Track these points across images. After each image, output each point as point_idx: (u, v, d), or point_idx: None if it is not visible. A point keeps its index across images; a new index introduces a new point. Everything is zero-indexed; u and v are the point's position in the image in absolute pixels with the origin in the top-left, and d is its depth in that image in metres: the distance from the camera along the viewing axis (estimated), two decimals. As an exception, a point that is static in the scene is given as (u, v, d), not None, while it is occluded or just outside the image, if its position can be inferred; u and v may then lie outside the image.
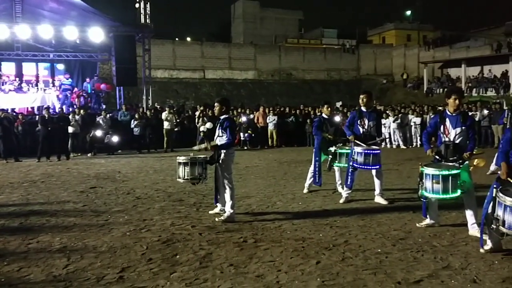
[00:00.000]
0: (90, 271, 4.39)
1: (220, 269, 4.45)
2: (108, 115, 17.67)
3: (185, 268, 4.47)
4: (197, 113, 19.34)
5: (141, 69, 21.99)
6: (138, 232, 5.82)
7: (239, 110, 20.95)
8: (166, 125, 17.79)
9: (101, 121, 16.85)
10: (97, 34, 19.12)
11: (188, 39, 47.97)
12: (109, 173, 11.50)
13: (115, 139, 16.77)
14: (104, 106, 21.13)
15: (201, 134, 17.89)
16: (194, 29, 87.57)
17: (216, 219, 6.33)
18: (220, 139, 6.44)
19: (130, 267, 4.50)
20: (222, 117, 6.56)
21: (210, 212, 6.82)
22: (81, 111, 17.09)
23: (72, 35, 18.90)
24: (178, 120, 19.06)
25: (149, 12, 22.20)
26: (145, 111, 19.65)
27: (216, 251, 5.00)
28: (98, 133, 16.50)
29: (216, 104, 6.66)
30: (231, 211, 6.33)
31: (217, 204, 6.72)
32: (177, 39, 43.60)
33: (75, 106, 19.33)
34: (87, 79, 21.82)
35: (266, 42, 46.68)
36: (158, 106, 22.38)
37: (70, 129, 15.82)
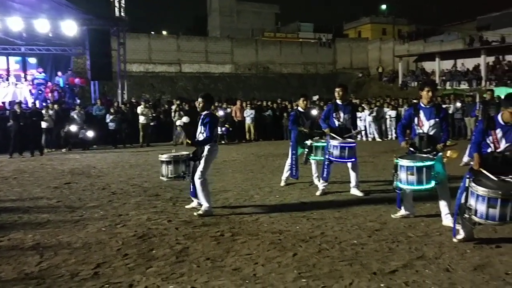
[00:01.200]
0: (64, 267, 4.31)
1: (196, 263, 4.42)
2: (82, 110, 17.36)
3: (161, 262, 4.43)
4: (173, 107, 19.17)
5: (116, 63, 21.67)
6: (114, 227, 5.75)
7: (216, 104, 20.84)
8: (141, 119, 17.59)
9: (75, 116, 16.56)
10: (70, 27, 18.73)
11: (164, 32, 47.44)
12: (84, 169, 11.32)
13: (90, 134, 16.52)
14: (78, 101, 20.72)
15: (178, 128, 17.84)
16: (170, 22, 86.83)
17: (194, 213, 6.29)
18: (202, 135, 6.36)
19: (105, 262, 4.44)
20: (203, 113, 6.46)
21: (186, 206, 6.78)
22: (55, 105, 16.76)
23: (43, 28, 18.46)
24: (154, 115, 18.85)
25: (123, 5, 21.88)
26: (120, 105, 19.39)
27: (193, 245, 4.97)
28: (73, 128, 16.22)
29: (200, 99, 6.54)
30: (207, 205, 6.28)
31: (194, 198, 6.67)
32: (152, 32, 43.07)
33: (48, 101, 18.93)
34: (59, 73, 21.36)
35: (243, 36, 46.49)
36: (134, 101, 22.11)
37: (44, 124, 15.52)
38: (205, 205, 6.29)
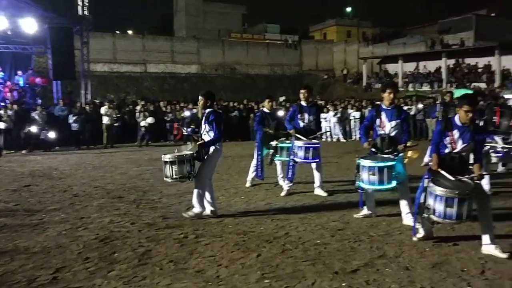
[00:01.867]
0: (20, 273, 4.19)
1: (159, 265, 4.38)
2: (44, 110, 16.89)
3: (123, 266, 4.37)
4: (138, 108, 18.90)
5: (80, 63, 21.21)
6: (75, 230, 5.62)
7: (182, 105, 20.71)
8: (105, 120, 17.24)
9: (36, 117, 16.09)
10: (30, 25, 18.19)
11: (130, 32, 46.78)
12: (45, 171, 11.02)
13: (51, 135, 16.08)
14: (40, 101, 20.15)
15: (142, 129, 17.63)
16: (135, 22, 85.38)
17: (183, 214, 6.16)
18: (208, 134, 6.19)
19: (65, 267, 4.33)
20: (207, 110, 6.26)
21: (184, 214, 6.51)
22: (14, 106, 16.25)
23: (1, 25, 17.86)
24: (118, 115, 18.53)
25: (87, 4, 21.46)
26: (84, 105, 18.98)
27: (156, 247, 4.92)
28: (33, 129, 15.74)
29: (200, 97, 6.30)
30: (200, 209, 6.15)
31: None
32: (117, 32, 42.41)
33: (7, 101, 18.33)
34: (19, 72, 20.72)
35: (209, 36, 46.34)
36: (98, 101, 21.68)
37: (2, 125, 15.00)
38: (209, 208, 6.17)
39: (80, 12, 20.82)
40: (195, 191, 6.15)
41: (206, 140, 6.14)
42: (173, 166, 6.14)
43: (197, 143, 6.15)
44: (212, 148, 6.15)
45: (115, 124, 17.96)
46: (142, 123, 17.55)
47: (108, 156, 14.18)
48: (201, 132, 6.29)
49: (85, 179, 9.66)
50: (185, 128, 18.66)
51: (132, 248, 4.91)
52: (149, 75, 37.10)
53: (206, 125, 6.19)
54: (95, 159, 13.48)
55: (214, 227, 5.70)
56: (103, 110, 17.43)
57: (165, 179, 6.33)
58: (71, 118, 16.94)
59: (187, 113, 19.04)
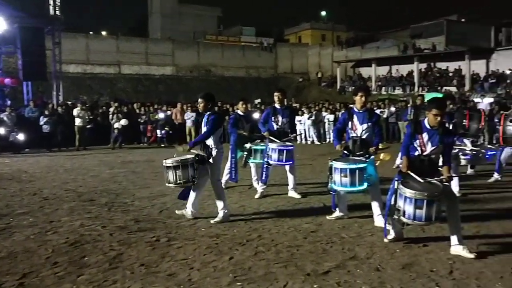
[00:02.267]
0: (-14, 279, 4.08)
1: (130, 269, 4.32)
2: (13, 112, 16.50)
3: (94, 270, 4.30)
4: (111, 110, 18.65)
5: (51, 63, 20.82)
6: (44, 234, 5.50)
7: (155, 107, 20.53)
8: (78, 122, 16.94)
9: (5, 118, 15.72)
10: (-2, 24, 17.82)
11: (103, 33, 46.24)
12: (14, 173, 10.76)
13: (21, 137, 15.72)
14: (9, 102, 19.70)
15: (115, 131, 17.40)
16: (109, 23, 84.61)
17: (212, 221, 6.00)
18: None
19: (33, 272, 4.23)
20: (207, 113, 6.13)
21: (177, 212, 6.43)
22: (-18, 107, 15.86)
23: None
24: (91, 117, 18.25)
25: (59, 4, 21.09)
26: (56, 107, 18.62)
27: (127, 251, 4.85)
28: (2, 130, 15.38)
29: (200, 100, 6.16)
30: (225, 210, 6.10)
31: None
32: (91, 32, 41.88)
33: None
34: (-13, 73, 20.28)
35: (184, 38, 46.15)
36: (70, 102, 21.31)
37: (-31, 127, 14.63)
38: (223, 211, 6.09)
39: (52, 12, 20.43)
40: (219, 193, 6.10)
41: (207, 143, 6.05)
42: (177, 171, 5.95)
43: (185, 149, 6.04)
44: (215, 151, 6.05)
45: (88, 126, 17.67)
46: (116, 125, 17.31)
47: (80, 158, 13.95)
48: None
49: (56, 182, 9.47)
50: (159, 131, 18.59)
51: (103, 251, 4.84)
52: (123, 77, 36.73)
53: (206, 127, 6.06)
54: (67, 161, 13.23)
55: (187, 230, 5.66)
56: (75, 111, 17.13)
57: (167, 184, 6.16)
58: (42, 120, 16.59)
59: (161, 115, 18.88)
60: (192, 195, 6.20)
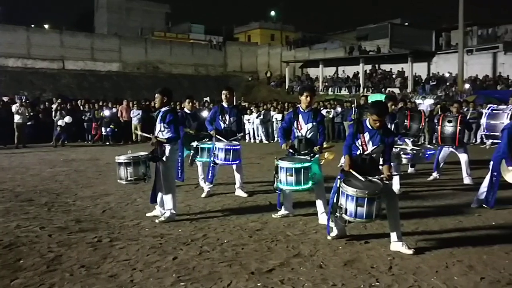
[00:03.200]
0: None
1: (70, 271, 4.18)
2: None
3: (29, 273, 4.12)
4: (54, 106, 17.98)
5: (-12, 57, 19.82)
6: (-24, 237, 5.22)
7: (101, 104, 19.99)
8: (17, 118, 16.21)
9: None
10: None
11: (46, 26, 44.50)
12: None
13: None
14: None
15: (58, 128, 16.79)
16: (52, 16, 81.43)
17: (156, 221, 5.86)
18: (163, 134, 5.93)
19: (-38, 277, 4.01)
20: (163, 109, 5.99)
21: (147, 214, 6.24)
22: None
23: None
24: (31, 114, 17.52)
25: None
26: (-9, 103, 17.75)
27: (67, 252, 4.69)
28: None
29: (156, 95, 6.01)
30: (173, 212, 5.95)
31: (157, 206, 6.21)
32: (32, 25, 40.18)
33: None
34: None
35: (132, 34, 45.17)
36: (8, 98, 20.35)
37: None
38: (169, 210, 5.93)
39: (-11, 3, 19.43)
40: (168, 196, 5.93)
41: (161, 140, 5.93)
42: (128, 168, 5.89)
43: (152, 141, 5.93)
44: (168, 148, 5.95)
45: (28, 123, 16.97)
46: (59, 122, 16.72)
47: (20, 156, 13.37)
48: (156, 132, 6.07)
49: (-8, 182, 9.02)
50: (104, 128, 18.12)
51: (40, 254, 4.65)
52: (67, 72, 35.44)
53: (162, 124, 5.97)
54: (5, 159, 12.64)
55: (130, 230, 5.54)
56: (14, 108, 16.40)
57: (119, 181, 6.08)
58: (-23, 116, 15.77)
59: (106, 113, 18.39)
60: (166, 197, 6.01)
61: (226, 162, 7.45)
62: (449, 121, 8.90)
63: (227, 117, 7.63)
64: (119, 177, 6.01)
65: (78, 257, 4.55)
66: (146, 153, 6.07)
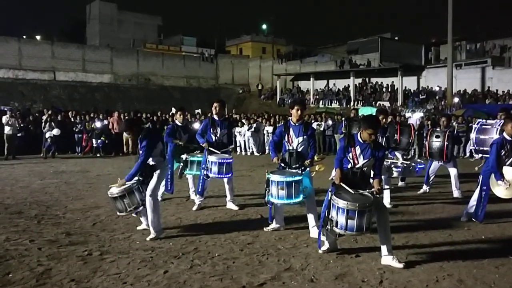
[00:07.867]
0: None
1: (59, 285, 4.15)
2: None
3: (19, 287, 4.08)
4: (44, 117, 17.87)
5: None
6: (-36, 250, 5.16)
7: (92, 115, 19.91)
8: (7, 130, 16.08)
9: None
10: None
11: (38, 37, 44.47)
12: None
13: None
14: None
15: (48, 140, 16.68)
16: (44, 27, 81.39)
17: (147, 239, 5.69)
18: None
19: (-50, 291, 3.97)
20: (139, 136, 5.86)
21: (138, 227, 6.15)
22: None
23: None
24: (21, 125, 17.40)
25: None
26: (-18, 114, 17.58)
27: (57, 266, 4.65)
28: None
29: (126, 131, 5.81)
30: (158, 229, 5.80)
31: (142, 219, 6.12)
32: (24, 36, 40.15)
33: None
34: None
35: (123, 46, 45.26)
36: (-2, 109, 20.23)
37: None
38: (156, 226, 5.78)
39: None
40: (150, 208, 5.74)
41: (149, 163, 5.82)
42: (124, 200, 5.74)
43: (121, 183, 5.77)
44: (158, 168, 5.85)
45: (18, 134, 16.85)
46: (47, 134, 16.61)
47: (9, 168, 13.25)
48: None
49: (-20, 194, 8.93)
50: (94, 140, 18.02)
51: (29, 267, 4.61)
52: (58, 83, 35.38)
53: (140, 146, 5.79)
54: (-7, 171, 12.53)
55: (121, 244, 5.51)
56: (4, 119, 16.27)
57: (118, 213, 5.94)
58: (-33, 127, 15.63)
59: (97, 124, 18.32)
60: (150, 214, 5.82)
61: (219, 176, 7.44)
62: (437, 136, 8.94)
63: (218, 129, 7.64)
64: (118, 210, 5.85)
65: (68, 271, 4.51)
66: (136, 179, 5.84)
